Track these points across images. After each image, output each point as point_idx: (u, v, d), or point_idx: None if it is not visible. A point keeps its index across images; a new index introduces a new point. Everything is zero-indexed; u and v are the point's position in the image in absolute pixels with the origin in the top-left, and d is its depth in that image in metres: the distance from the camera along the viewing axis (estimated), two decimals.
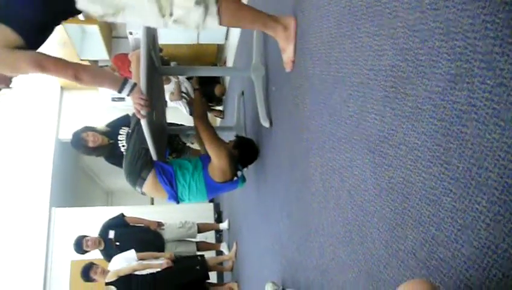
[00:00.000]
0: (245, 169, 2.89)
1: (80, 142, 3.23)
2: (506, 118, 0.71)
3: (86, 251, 4.15)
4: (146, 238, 4.49)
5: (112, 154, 3.37)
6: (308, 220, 1.78)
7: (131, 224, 4.55)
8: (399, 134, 1.04)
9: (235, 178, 2.72)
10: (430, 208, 0.91)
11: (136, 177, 2.62)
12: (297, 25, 1.89)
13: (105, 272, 3.95)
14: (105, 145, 3.30)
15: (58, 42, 5.02)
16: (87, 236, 4.17)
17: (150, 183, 2.60)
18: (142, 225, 4.64)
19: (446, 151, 0.86)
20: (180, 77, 4.88)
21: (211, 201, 6.75)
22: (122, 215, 4.54)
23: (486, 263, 0.75)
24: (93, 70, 1.98)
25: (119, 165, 2.82)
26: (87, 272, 3.92)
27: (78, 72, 1.77)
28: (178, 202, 2.71)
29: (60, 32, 4.82)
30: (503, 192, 0.71)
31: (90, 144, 3.22)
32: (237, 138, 2.92)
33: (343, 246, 1.39)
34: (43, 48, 1.71)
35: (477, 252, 0.77)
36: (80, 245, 4.10)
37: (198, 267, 4.39)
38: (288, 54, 1.95)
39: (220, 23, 1.75)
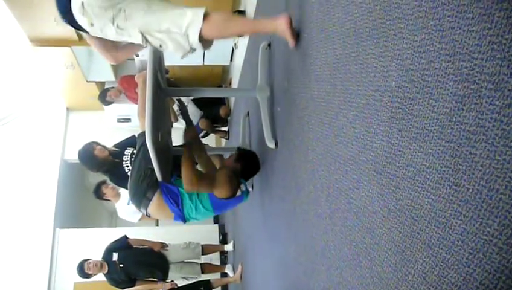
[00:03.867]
0: (248, 183, 2.87)
1: (86, 148, 3.30)
2: None
3: (89, 275, 4.11)
4: (150, 259, 4.46)
5: (114, 173, 3.39)
6: (314, 242, 1.76)
7: (134, 246, 4.52)
8: (406, 155, 1.02)
9: (239, 193, 2.69)
10: (440, 230, 0.89)
11: (141, 197, 2.61)
12: (291, 22, 1.91)
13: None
14: (108, 161, 3.33)
15: (65, 64, 5.09)
16: (88, 260, 4.14)
17: (156, 203, 2.59)
18: (146, 246, 4.60)
19: (455, 172, 0.84)
20: (184, 99, 4.92)
21: (215, 222, 6.70)
22: (126, 237, 4.52)
23: (500, 288, 0.73)
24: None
25: (122, 185, 2.82)
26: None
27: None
28: (185, 222, 2.69)
29: (67, 54, 4.90)
30: None
31: (96, 152, 3.27)
32: (239, 151, 2.90)
33: (351, 269, 1.36)
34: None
35: (490, 277, 0.75)
36: (82, 269, 4.07)
37: (202, 288, 4.36)
38: (289, 39, 1.98)
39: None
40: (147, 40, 1.90)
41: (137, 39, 1.89)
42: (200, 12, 1.86)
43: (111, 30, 1.87)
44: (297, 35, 1.96)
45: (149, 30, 1.87)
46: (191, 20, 1.84)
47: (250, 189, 2.90)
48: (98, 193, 3.95)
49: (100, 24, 1.86)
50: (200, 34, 1.86)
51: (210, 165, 2.89)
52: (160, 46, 1.94)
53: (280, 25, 1.92)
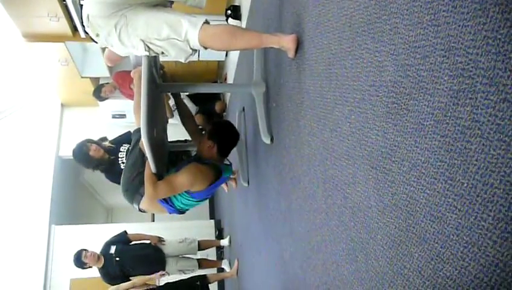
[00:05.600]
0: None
1: (81, 149, 3.28)
2: (511, 134, 0.70)
3: (85, 264, 4.11)
4: (147, 253, 4.47)
5: (110, 170, 3.38)
6: (310, 237, 1.77)
7: (133, 241, 4.54)
8: (402, 150, 1.03)
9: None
10: (435, 225, 0.90)
11: (133, 193, 2.60)
12: (298, 42, 1.90)
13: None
14: (104, 160, 3.32)
15: (59, 60, 5.05)
16: (86, 249, 4.16)
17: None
18: (144, 240, 4.63)
19: (450, 167, 0.85)
20: (180, 94, 4.90)
21: (211, 218, 6.71)
22: (125, 232, 4.54)
23: (494, 281, 0.74)
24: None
25: (118, 182, 2.82)
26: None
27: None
28: (181, 213, 2.69)
29: (61, 50, 4.86)
30: (509, 209, 0.70)
31: (91, 153, 3.25)
32: (211, 126, 2.78)
33: (347, 263, 1.37)
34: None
35: (484, 270, 0.76)
36: (80, 257, 4.09)
37: (198, 283, 4.38)
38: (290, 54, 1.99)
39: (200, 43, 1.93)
40: (149, 48, 1.95)
41: (141, 48, 1.94)
42: (199, 22, 1.90)
43: (115, 39, 1.93)
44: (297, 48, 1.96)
45: (150, 38, 1.92)
46: (188, 29, 1.90)
47: (228, 161, 2.87)
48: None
49: (104, 33, 1.93)
50: (199, 41, 1.90)
51: (198, 137, 2.90)
52: (162, 53, 1.99)
53: (287, 44, 1.93)
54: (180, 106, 3.03)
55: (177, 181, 2.47)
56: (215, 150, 2.63)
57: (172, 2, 2.10)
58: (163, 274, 4.41)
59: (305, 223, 1.84)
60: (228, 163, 2.82)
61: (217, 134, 2.67)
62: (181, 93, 4.80)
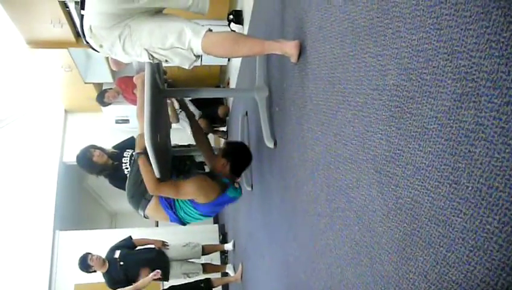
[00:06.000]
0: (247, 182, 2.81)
1: (85, 154, 3.30)
2: None
3: (90, 267, 4.11)
4: (150, 257, 4.47)
5: (114, 176, 3.39)
6: (315, 241, 1.76)
7: (138, 246, 4.54)
8: (405, 154, 1.03)
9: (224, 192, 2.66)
10: (440, 228, 0.90)
11: (139, 199, 2.61)
12: (301, 47, 1.91)
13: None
14: (108, 165, 3.33)
15: (63, 66, 5.08)
16: (92, 253, 4.17)
17: (153, 205, 2.59)
18: (148, 245, 4.63)
19: (454, 170, 0.85)
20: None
21: (215, 222, 6.70)
22: (130, 237, 4.56)
23: (501, 285, 0.73)
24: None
25: (122, 187, 2.82)
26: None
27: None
28: (183, 224, 2.69)
29: (64, 56, 4.89)
30: None
31: (95, 158, 3.26)
32: (226, 145, 2.83)
33: (352, 267, 1.36)
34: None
35: (490, 274, 0.76)
36: (85, 260, 4.10)
37: (202, 285, 4.38)
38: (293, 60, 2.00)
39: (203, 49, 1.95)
40: (153, 57, 1.97)
41: (144, 57, 1.96)
42: (202, 30, 1.92)
43: (119, 49, 1.94)
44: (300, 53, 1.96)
45: (154, 48, 1.93)
46: (192, 38, 1.91)
47: (238, 185, 2.87)
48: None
49: (108, 44, 1.93)
50: (202, 49, 1.92)
51: (210, 154, 2.90)
52: (166, 61, 2.00)
53: (290, 50, 1.93)
54: (194, 128, 3.02)
55: (183, 187, 2.48)
56: (228, 168, 2.68)
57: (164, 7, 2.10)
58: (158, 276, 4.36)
59: (309, 227, 1.84)
60: (238, 186, 2.82)
61: (232, 153, 2.74)
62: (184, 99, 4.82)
